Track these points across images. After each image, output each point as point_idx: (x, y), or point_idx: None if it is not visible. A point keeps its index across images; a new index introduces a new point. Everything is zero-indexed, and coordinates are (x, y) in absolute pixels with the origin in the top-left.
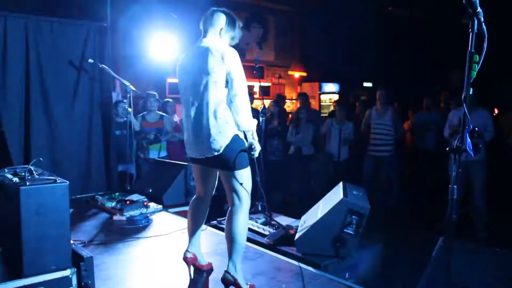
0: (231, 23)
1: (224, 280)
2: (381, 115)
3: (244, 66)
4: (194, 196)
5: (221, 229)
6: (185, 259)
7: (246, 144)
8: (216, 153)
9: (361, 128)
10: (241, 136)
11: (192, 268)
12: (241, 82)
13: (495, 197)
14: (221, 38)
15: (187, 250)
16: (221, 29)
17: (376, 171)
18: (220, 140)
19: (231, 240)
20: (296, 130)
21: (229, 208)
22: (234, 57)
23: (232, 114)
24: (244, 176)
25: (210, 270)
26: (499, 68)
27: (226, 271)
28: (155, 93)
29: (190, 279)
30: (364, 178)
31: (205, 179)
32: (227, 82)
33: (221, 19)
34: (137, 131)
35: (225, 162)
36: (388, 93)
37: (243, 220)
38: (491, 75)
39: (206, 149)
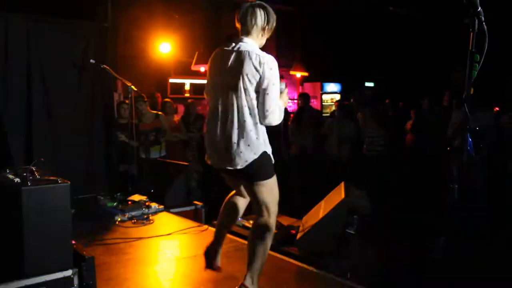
0: (271, 19)
1: None
2: (362, 119)
3: None
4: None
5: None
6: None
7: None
8: (243, 166)
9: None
10: (269, 151)
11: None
12: (274, 98)
13: (495, 197)
14: (261, 37)
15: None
16: (263, 28)
17: (370, 168)
18: (249, 153)
19: (257, 254)
20: (298, 130)
21: (256, 218)
22: (274, 67)
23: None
24: (270, 186)
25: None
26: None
27: (243, 284)
28: (142, 95)
29: (189, 280)
30: (362, 176)
31: (234, 182)
32: (257, 91)
33: (263, 15)
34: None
35: (249, 176)
36: (358, 98)
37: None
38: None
39: (234, 160)
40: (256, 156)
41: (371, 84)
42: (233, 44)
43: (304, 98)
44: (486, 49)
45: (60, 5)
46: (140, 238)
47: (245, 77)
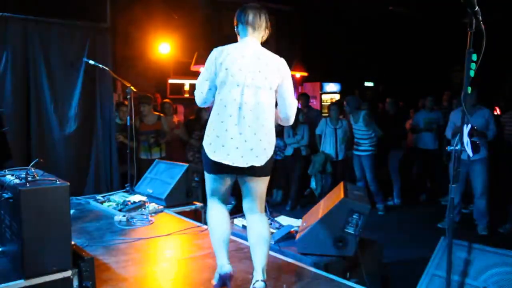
0: (269, 24)
1: None
2: (355, 120)
3: None
4: (216, 204)
5: None
6: (227, 275)
7: None
8: (264, 162)
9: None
10: None
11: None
12: (293, 94)
13: (496, 196)
14: (261, 39)
15: (228, 263)
16: (265, 30)
17: (363, 169)
18: (270, 150)
19: (268, 247)
20: (293, 131)
21: (257, 213)
22: (288, 68)
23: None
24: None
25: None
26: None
27: (263, 281)
28: (148, 96)
29: (189, 280)
30: (357, 175)
31: (228, 185)
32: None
33: (267, 20)
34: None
35: (266, 170)
36: (355, 100)
37: None
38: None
39: (254, 157)
40: (272, 153)
41: (370, 84)
42: (247, 44)
43: (303, 98)
44: (484, 49)
45: (59, 6)
46: (140, 239)
47: (269, 77)
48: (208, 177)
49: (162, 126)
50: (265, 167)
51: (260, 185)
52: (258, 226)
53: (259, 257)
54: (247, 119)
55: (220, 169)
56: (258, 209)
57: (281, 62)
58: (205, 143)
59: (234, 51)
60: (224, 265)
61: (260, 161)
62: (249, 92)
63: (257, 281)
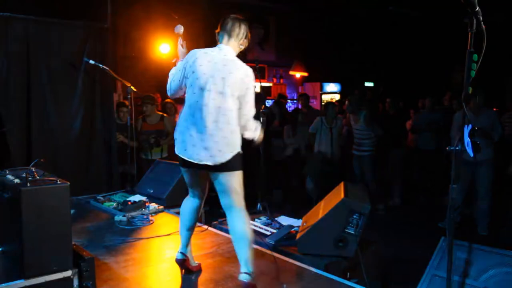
0: (247, 34)
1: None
2: (355, 121)
3: None
4: (188, 196)
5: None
6: (178, 261)
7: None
8: (218, 162)
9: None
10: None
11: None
12: (253, 105)
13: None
14: (238, 48)
15: (180, 252)
16: (242, 39)
17: (362, 169)
18: (227, 152)
19: (246, 239)
20: (293, 131)
21: (234, 209)
22: (253, 79)
23: (240, 129)
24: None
25: (200, 271)
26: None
27: (246, 273)
28: (151, 95)
29: (189, 280)
30: (357, 175)
31: (201, 180)
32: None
33: (245, 31)
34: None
35: (228, 165)
36: (354, 101)
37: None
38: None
39: (208, 157)
40: (232, 154)
41: (370, 84)
42: (217, 50)
43: (303, 98)
44: (484, 49)
45: (60, 6)
46: (140, 239)
47: (231, 85)
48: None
49: (165, 126)
50: (229, 163)
51: (227, 179)
52: (235, 222)
53: (240, 252)
54: (205, 120)
55: (183, 163)
56: (233, 204)
57: (247, 73)
58: (175, 137)
59: (203, 56)
60: (178, 251)
61: (213, 161)
62: (210, 96)
63: (241, 273)
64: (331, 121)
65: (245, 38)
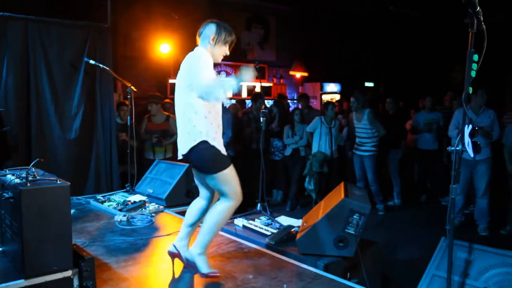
0: (221, 30)
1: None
2: (358, 119)
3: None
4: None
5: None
6: (169, 252)
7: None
8: (184, 151)
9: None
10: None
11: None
12: (201, 74)
13: (497, 197)
14: (214, 45)
15: (173, 244)
16: (213, 38)
17: (364, 169)
18: (189, 140)
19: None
20: (292, 131)
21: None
22: (199, 54)
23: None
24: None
25: (196, 270)
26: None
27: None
28: (157, 95)
29: (189, 280)
30: (357, 175)
31: (201, 179)
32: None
33: (210, 29)
34: (140, 132)
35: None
36: (360, 98)
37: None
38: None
39: (181, 148)
40: (193, 143)
41: (370, 84)
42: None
43: (303, 98)
44: (485, 49)
45: (60, 6)
46: (140, 239)
47: (183, 75)
48: None
49: (170, 127)
50: (193, 154)
51: (209, 181)
52: (212, 208)
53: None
54: (179, 116)
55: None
56: (222, 194)
57: (193, 55)
58: None
59: (184, 60)
60: (172, 244)
61: (182, 151)
62: (177, 93)
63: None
64: (330, 121)
65: (217, 33)
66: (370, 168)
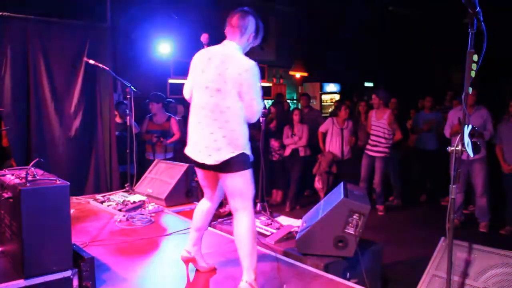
0: (259, 31)
1: None
2: (378, 117)
3: None
4: (203, 198)
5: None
6: (182, 257)
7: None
8: (214, 162)
9: (367, 129)
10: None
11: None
12: (254, 97)
13: (496, 197)
14: (248, 44)
15: (185, 249)
16: (251, 35)
17: (372, 169)
18: (225, 151)
19: (243, 245)
20: (292, 131)
21: (236, 212)
22: (254, 72)
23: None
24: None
25: (211, 272)
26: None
27: (246, 281)
28: (159, 94)
29: (189, 280)
30: (362, 175)
31: (209, 181)
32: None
33: (251, 25)
34: (139, 132)
35: (230, 166)
36: (386, 94)
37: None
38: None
39: (207, 156)
40: (231, 154)
41: (370, 84)
42: (220, 47)
43: (303, 98)
44: (485, 49)
45: (60, 5)
46: (140, 238)
47: (228, 81)
48: None
49: (171, 127)
50: (229, 163)
51: (230, 181)
52: (236, 225)
53: (241, 256)
54: (206, 119)
55: (192, 162)
56: (238, 207)
57: (245, 68)
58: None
59: (204, 54)
60: (183, 250)
61: (211, 160)
62: (209, 94)
63: (241, 281)
64: (342, 122)
65: (250, 32)
66: (380, 170)
